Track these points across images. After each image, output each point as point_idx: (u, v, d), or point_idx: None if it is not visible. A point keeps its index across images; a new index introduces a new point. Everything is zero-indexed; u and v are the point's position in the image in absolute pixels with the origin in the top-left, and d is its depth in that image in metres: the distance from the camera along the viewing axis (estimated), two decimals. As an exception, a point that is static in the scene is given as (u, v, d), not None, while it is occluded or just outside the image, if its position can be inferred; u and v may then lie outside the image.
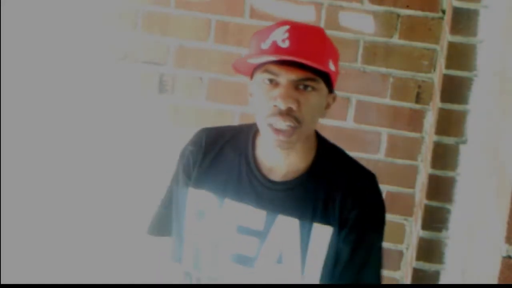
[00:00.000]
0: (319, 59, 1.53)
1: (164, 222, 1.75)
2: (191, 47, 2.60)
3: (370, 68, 2.53)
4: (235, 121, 2.61)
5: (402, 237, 2.59)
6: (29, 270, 2.78)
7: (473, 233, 1.69)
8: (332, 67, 1.57)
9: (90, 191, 2.74)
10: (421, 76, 2.50)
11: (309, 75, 1.52)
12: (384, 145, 2.56)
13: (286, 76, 1.51)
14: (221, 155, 1.67)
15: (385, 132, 2.55)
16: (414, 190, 2.56)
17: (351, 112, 2.56)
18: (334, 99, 1.65)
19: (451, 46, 2.18)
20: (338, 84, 2.53)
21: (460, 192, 2.21)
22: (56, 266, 2.78)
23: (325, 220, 1.59)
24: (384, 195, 2.56)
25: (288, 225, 1.59)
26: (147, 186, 2.67)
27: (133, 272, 2.57)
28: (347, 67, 2.52)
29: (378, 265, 1.66)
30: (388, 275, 2.62)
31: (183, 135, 2.64)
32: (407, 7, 2.47)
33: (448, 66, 2.20)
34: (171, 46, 2.62)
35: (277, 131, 1.52)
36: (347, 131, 2.56)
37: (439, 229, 2.25)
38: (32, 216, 2.79)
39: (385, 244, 2.59)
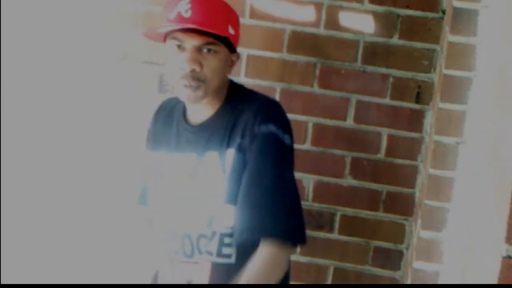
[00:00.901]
0: (217, 26, 1.80)
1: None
2: (191, 47, 2.60)
3: (370, 68, 2.53)
4: (235, 121, 2.61)
5: (402, 237, 2.59)
6: (29, 270, 2.78)
7: (473, 233, 1.69)
8: (231, 30, 1.85)
9: (90, 191, 2.74)
10: (421, 76, 2.50)
11: (209, 39, 1.80)
12: (384, 145, 2.56)
13: (190, 42, 1.79)
14: (168, 118, 2.02)
15: (385, 132, 2.55)
16: (414, 190, 2.56)
17: (351, 112, 2.56)
18: (237, 57, 1.94)
19: (451, 46, 2.18)
20: (338, 84, 2.56)
21: (460, 192, 2.21)
22: (56, 266, 2.78)
23: (232, 144, 1.85)
24: (384, 195, 2.58)
25: (212, 159, 1.88)
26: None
27: (132, 271, 2.57)
28: (347, 67, 2.53)
29: (266, 183, 1.80)
30: (388, 275, 2.62)
31: (183, 135, 2.65)
32: (407, 7, 2.47)
33: (448, 66, 2.20)
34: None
35: (186, 87, 1.81)
36: (347, 131, 2.57)
37: (439, 229, 2.25)
38: (32, 216, 2.79)
39: (385, 244, 2.61)
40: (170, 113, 2.02)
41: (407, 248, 2.59)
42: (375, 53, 2.52)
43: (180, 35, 1.80)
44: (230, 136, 1.86)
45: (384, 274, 2.63)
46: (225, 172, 1.85)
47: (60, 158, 2.75)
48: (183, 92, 1.84)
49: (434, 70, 2.49)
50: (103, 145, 2.71)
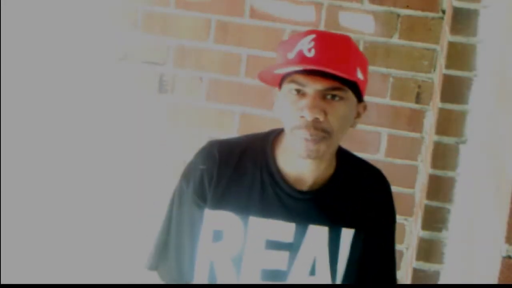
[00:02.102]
0: (345, 68, 1.49)
1: (166, 251, 1.63)
2: (191, 47, 2.60)
3: (370, 68, 2.51)
4: (235, 121, 2.61)
5: (402, 237, 2.59)
6: (29, 270, 2.78)
7: (473, 233, 1.69)
8: (360, 75, 1.55)
9: (90, 191, 2.74)
10: (421, 76, 2.50)
11: (336, 84, 1.49)
12: (384, 145, 2.56)
13: (312, 86, 1.48)
14: (239, 169, 1.59)
15: (385, 132, 2.55)
16: (414, 190, 2.56)
17: (351, 112, 2.55)
18: (364, 108, 1.62)
19: (451, 46, 2.18)
20: (338, 84, 2.55)
21: (460, 192, 2.21)
22: (56, 266, 2.78)
23: (351, 224, 1.60)
24: (384, 195, 2.57)
25: (318, 234, 1.58)
26: (147, 186, 2.67)
27: (133, 272, 2.57)
28: (347, 67, 2.52)
29: (394, 265, 1.77)
30: (388, 275, 2.61)
31: (183, 135, 2.66)
32: (407, 7, 2.47)
33: (448, 66, 2.20)
34: (171, 46, 2.62)
35: (306, 141, 1.48)
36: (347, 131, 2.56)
37: (439, 229, 2.25)
38: (32, 216, 2.79)
39: (385, 244, 2.60)
40: (240, 162, 1.61)
41: (407, 248, 2.59)
42: (375, 53, 2.51)
43: (301, 78, 1.49)
44: (347, 212, 1.60)
45: (384, 274, 2.62)
46: (337, 252, 1.59)
47: (60, 157, 2.74)
48: (302, 146, 1.48)
49: (434, 70, 2.49)
50: (103, 145, 2.71)
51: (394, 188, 2.55)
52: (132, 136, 2.68)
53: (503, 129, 1.34)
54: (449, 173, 2.23)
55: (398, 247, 2.60)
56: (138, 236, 2.63)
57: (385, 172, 2.56)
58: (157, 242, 1.64)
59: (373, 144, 2.56)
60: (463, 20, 2.16)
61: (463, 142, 2.21)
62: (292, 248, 1.56)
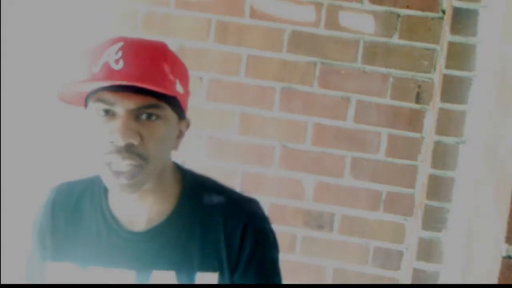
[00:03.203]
0: (161, 81, 1.27)
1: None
2: (191, 47, 2.60)
3: (370, 68, 2.53)
4: (235, 121, 2.61)
5: (402, 237, 2.59)
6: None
7: (473, 233, 1.69)
8: (179, 88, 1.33)
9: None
10: (421, 76, 2.50)
11: (151, 101, 1.26)
12: (384, 145, 2.56)
13: (122, 105, 1.24)
14: (75, 214, 1.41)
15: (385, 132, 2.55)
16: (414, 190, 2.56)
17: (351, 112, 2.56)
18: (187, 125, 1.41)
19: (451, 46, 2.18)
20: (338, 84, 2.56)
21: (460, 192, 2.21)
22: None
23: (208, 266, 1.35)
24: (384, 195, 2.58)
25: (165, 281, 1.34)
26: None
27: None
28: (347, 67, 2.53)
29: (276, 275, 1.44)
30: (388, 275, 2.62)
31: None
32: (407, 7, 2.47)
33: (448, 66, 2.20)
34: (171, 46, 2.61)
35: (117, 173, 1.25)
36: (347, 131, 2.57)
37: (439, 229, 2.25)
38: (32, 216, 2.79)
39: (385, 244, 2.60)
40: (77, 205, 1.42)
41: (407, 248, 2.59)
42: (375, 53, 2.52)
43: (108, 95, 1.25)
44: (200, 254, 1.35)
45: (384, 274, 2.63)
46: None
47: (59, 157, 2.74)
48: (113, 179, 1.26)
49: (434, 70, 2.49)
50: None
51: (394, 188, 2.59)
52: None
53: (503, 129, 1.34)
54: (449, 173, 2.23)
55: (398, 247, 2.60)
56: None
57: (385, 172, 2.58)
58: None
59: (373, 144, 2.56)
60: (463, 20, 2.16)
61: (463, 142, 2.21)
62: None
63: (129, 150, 1.25)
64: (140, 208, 1.35)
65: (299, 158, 2.59)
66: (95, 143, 1.29)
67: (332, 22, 2.51)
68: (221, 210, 1.37)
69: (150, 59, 1.30)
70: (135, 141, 1.25)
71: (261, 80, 2.58)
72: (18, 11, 2.69)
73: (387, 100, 2.54)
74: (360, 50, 2.52)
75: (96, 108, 1.27)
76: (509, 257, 1.00)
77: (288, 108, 2.58)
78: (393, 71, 2.52)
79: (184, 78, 1.38)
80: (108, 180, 1.28)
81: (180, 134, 1.39)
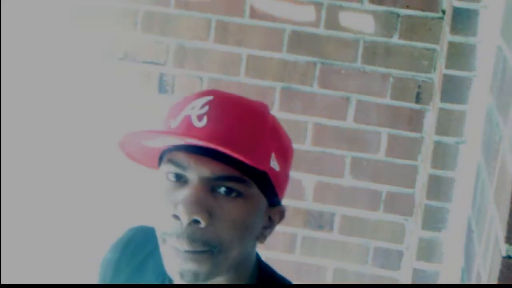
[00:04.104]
0: (250, 150, 0.99)
1: None
2: (191, 47, 2.60)
3: (370, 68, 2.53)
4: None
5: (402, 237, 2.59)
6: (29, 270, 2.78)
7: (473, 233, 1.69)
8: (274, 165, 1.04)
9: (90, 191, 2.74)
10: (421, 76, 2.50)
11: (233, 172, 0.99)
12: (384, 145, 2.56)
13: (196, 171, 0.99)
14: (142, 266, 1.18)
15: (385, 132, 2.55)
16: (414, 190, 2.56)
17: (351, 112, 2.56)
18: (281, 215, 1.11)
19: (451, 46, 2.18)
20: (338, 84, 2.56)
21: (460, 192, 2.21)
22: (56, 266, 2.77)
23: None
24: (384, 195, 2.58)
25: None
26: (147, 186, 2.67)
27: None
28: (347, 67, 2.53)
29: None
30: (388, 275, 2.62)
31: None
32: (407, 7, 2.47)
33: (448, 66, 2.20)
34: (171, 46, 2.62)
35: (178, 253, 0.99)
36: (347, 131, 2.56)
37: (439, 229, 2.25)
38: (32, 216, 2.79)
39: (385, 244, 2.60)
40: (146, 259, 1.18)
41: (407, 248, 2.59)
42: (375, 53, 2.51)
43: (182, 156, 1.00)
44: None
45: (384, 274, 2.62)
46: None
47: (59, 157, 2.74)
48: (173, 262, 1.01)
49: (434, 70, 2.49)
50: (103, 145, 2.71)
51: (394, 188, 2.59)
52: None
53: (503, 129, 1.34)
54: (449, 173, 2.23)
55: (398, 247, 2.60)
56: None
57: (385, 172, 2.58)
58: None
59: (373, 144, 2.56)
60: (463, 20, 2.16)
61: (463, 142, 2.21)
62: None
63: (193, 234, 0.98)
64: None
65: (299, 158, 2.59)
66: (159, 215, 1.02)
67: (332, 22, 2.51)
68: None
69: (241, 121, 1.02)
70: (202, 219, 0.97)
71: (261, 80, 2.58)
72: (18, 11, 2.68)
73: (387, 100, 2.54)
74: (360, 50, 2.52)
75: (166, 171, 1.03)
76: (509, 257, 0.99)
77: (288, 108, 2.58)
78: (393, 71, 2.52)
79: (283, 153, 1.08)
80: (167, 262, 1.02)
81: (270, 224, 1.09)
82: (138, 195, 2.69)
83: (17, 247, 2.80)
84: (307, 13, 2.52)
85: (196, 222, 0.98)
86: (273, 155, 1.04)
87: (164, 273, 1.08)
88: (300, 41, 2.54)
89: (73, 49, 2.68)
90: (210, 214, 0.98)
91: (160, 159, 1.07)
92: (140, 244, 1.19)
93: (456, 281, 1.97)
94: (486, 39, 2.11)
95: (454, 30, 2.17)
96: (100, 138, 2.71)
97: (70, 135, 2.73)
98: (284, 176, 1.09)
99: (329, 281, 2.65)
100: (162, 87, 2.65)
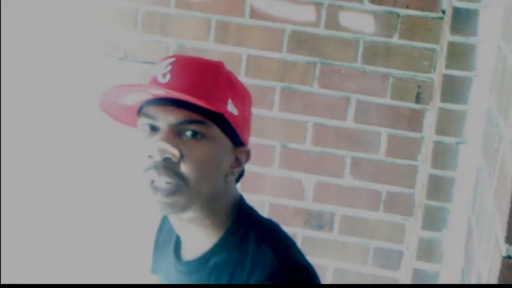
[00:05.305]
0: (206, 96, 1.17)
1: None
2: (191, 47, 2.60)
3: (370, 68, 2.53)
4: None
5: (402, 237, 2.59)
6: (29, 270, 2.78)
7: (473, 233, 1.69)
8: (232, 109, 1.21)
9: (90, 191, 2.74)
10: (421, 76, 2.50)
11: (194, 116, 1.16)
12: (384, 145, 2.56)
13: (164, 119, 1.17)
14: (170, 233, 1.36)
15: (385, 132, 2.55)
16: (414, 190, 2.56)
17: (351, 112, 2.56)
18: (247, 155, 1.27)
19: (451, 46, 2.18)
20: (338, 84, 2.56)
21: (460, 192, 2.21)
22: (56, 266, 2.77)
23: None
24: (384, 195, 2.58)
25: None
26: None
27: (132, 271, 2.57)
28: (347, 67, 2.52)
29: None
30: (388, 275, 2.62)
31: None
32: (407, 7, 2.47)
33: (448, 66, 2.20)
34: (171, 46, 2.62)
35: (156, 189, 1.17)
36: (347, 131, 2.56)
37: (439, 229, 2.25)
38: (32, 216, 2.79)
39: (385, 244, 2.60)
40: (172, 228, 1.33)
41: (407, 248, 2.59)
42: (375, 53, 2.51)
43: (151, 109, 1.19)
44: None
45: (384, 274, 2.62)
46: None
47: (59, 157, 2.74)
48: (151, 195, 1.20)
49: (434, 70, 2.49)
50: (103, 145, 2.71)
51: (394, 188, 2.59)
52: (132, 136, 2.68)
53: (503, 129, 1.34)
54: (449, 173, 2.23)
55: (398, 247, 2.60)
56: (139, 236, 2.63)
57: (385, 172, 2.58)
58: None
59: (373, 144, 2.56)
60: (463, 20, 2.16)
61: (463, 142, 2.21)
62: None
63: (166, 166, 1.16)
64: (190, 239, 1.27)
65: (299, 158, 2.59)
66: (137, 159, 1.21)
67: (332, 22, 2.51)
68: (251, 264, 1.21)
69: (198, 74, 1.22)
70: (173, 157, 1.16)
71: (261, 80, 2.58)
72: (18, 11, 2.68)
73: (387, 100, 2.54)
74: (360, 50, 2.52)
75: (141, 123, 1.22)
76: (509, 257, 0.99)
77: (288, 108, 2.58)
78: (393, 71, 2.51)
79: (240, 100, 1.25)
80: (149, 198, 1.20)
81: (238, 163, 1.25)
82: (138, 195, 2.69)
83: (17, 247, 2.80)
84: (307, 13, 2.52)
85: (168, 159, 1.16)
86: (230, 101, 1.22)
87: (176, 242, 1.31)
88: (300, 41, 2.54)
89: (73, 49, 2.68)
90: (180, 153, 1.16)
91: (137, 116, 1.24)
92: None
93: (456, 281, 1.97)
94: (486, 39, 2.11)
95: (454, 30, 2.17)
96: (100, 138, 2.71)
97: (70, 135, 2.73)
98: (243, 120, 1.25)
99: (329, 281, 2.65)
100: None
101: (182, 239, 1.30)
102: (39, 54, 2.69)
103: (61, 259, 2.78)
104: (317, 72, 2.55)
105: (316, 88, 2.56)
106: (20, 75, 2.72)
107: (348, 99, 2.55)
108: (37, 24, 2.68)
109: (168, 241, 1.37)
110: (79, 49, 2.68)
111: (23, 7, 2.68)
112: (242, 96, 1.28)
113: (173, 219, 1.26)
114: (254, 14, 2.55)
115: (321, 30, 2.53)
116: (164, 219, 1.43)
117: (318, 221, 2.63)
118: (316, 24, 2.52)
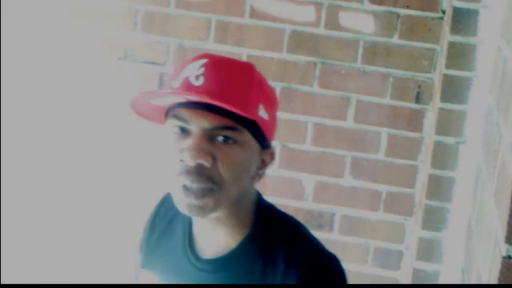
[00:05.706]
0: (241, 103, 1.19)
1: None
2: (191, 47, 2.60)
3: (370, 68, 2.53)
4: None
5: (402, 237, 2.59)
6: (29, 270, 2.78)
7: (473, 233, 1.69)
8: (263, 114, 1.24)
9: (90, 190, 2.74)
10: (421, 76, 2.50)
11: (228, 122, 1.18)
12: (384, 145, 2.56)
13: (197, 123, 1.18)
14: (169, 229, 1.38)
15: (385, 132, 2.55)
16: (414, 190, 2.56)
17: (351, 112, 2.56)
18: (272, 156, 1.30)
19: (451, 46, 2.18)
20: (338, 84, 2.56)
21: (460, 192, 2.21)
22: (56, 266, 2.77)
23: None
24: (384, 195, 2.58)
25: None
26: (147, 186, 2.67)
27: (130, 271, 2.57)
28: (347, 67, 2.52)
29: None
30: (388, 275, 2.62)
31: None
32: (407, 7, 2.47)
33: (448, 66, 2.20)
34: (171, 46, 2.62)
35: (187, 191, 1.18)
36: (347, 131, 2.56)
37: (439, 229, 2.25)
38: (32, 216, 2.79)
39: (385, 244, 2.60)
40: (173, 221, 1.39)
41: (407, 248, 2.59)
42: (375, 53, 2.51)
43: (184, 112, 1.19)
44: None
45: (384, 274, 2.63)
46: None
47: (59, 157, 2.74)
48: (182, 200, 1.20)
49: (434, 70, 2.49)
50: (103, 145, 2.71)
51: (394, 188, 2.59)
52: (132, 136, 2.68)
53: (503, 129, 1.34)
54: (449, 173, 2.23)
55: (398, 247, 2.60)
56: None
57: (385, 172, 2.58)
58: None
59: (373, 144, 2.56)
60: (463, 20, 2.16)
61: (463, 142, 2.21)
62: None
63: (199, 172, 1.17)
64: (211, 237, 1.28)
65: (299, 158, 2.59)
66: (166, 161, 1.22)
67: (332, 22, 2.51)
68: (285, 258, 1.23)
69: (232, 79, 1.22)
70: (206, 163, 1.17)
71: (261, 80, 2.58)
72: (18, 11, 2.68)
73: (387, 100, 2.54)
74: (360, 50, 2.52)
75: (171, 125, 1.22)
76: (509, 257, 1.00)
77: (288, 108, 2.58)
78: (393, 71, 2.52)
79: (269, 104, 1.27)
80: (178, 199, 1.21)
81: (263, 165, 1.28)
82: (138, 194, 2.69)
83: (17, 247, 2.80)
84: (307, 13, 2.52)
85: (200, 165, 1.17)
86: (261, 106, 1.24)
87: (188, 226, 1.32)
88: (300, 41, 2.54)
89: (73, 49, 2.68)
90: (212, 158, 1.18)
91: (166, 115, 1.24)
92: (170, 205, 1.33)
93: (456, 281, 1.97)
94: (486, 39, 2.11)
95: (454, 30, 2.17)
96: (100, 138, 2.71)
97: (70, 135, 2.73)
98: (271, 123, 1.28)
99: (329, 281, 2.65)
100: (162, 87, 2.65)
101: (199, 237, 1.31)
102: (39, 54, 2.69)
103: (61, 259, 2.78)
104: (317, 72, 2.55)
105: (316, 88, 2.56)
106: (20, 75, 2.72)
107: (348, 99, 2.55)
108: (37, 24, 2.68)
109: (167, 238, 1.38)
110: (79, 49, 2.68)
111: (23, 7, 2.68)
112: (272, 100, 1.30)
113: (197, 218, 1.27)
114: (254, 14, 2.55)
115: (321, 30, 2.53)
116: (155, 216, 1.44)
117: (318, 221, 2.63)
118: (316, 24, 2.52)
